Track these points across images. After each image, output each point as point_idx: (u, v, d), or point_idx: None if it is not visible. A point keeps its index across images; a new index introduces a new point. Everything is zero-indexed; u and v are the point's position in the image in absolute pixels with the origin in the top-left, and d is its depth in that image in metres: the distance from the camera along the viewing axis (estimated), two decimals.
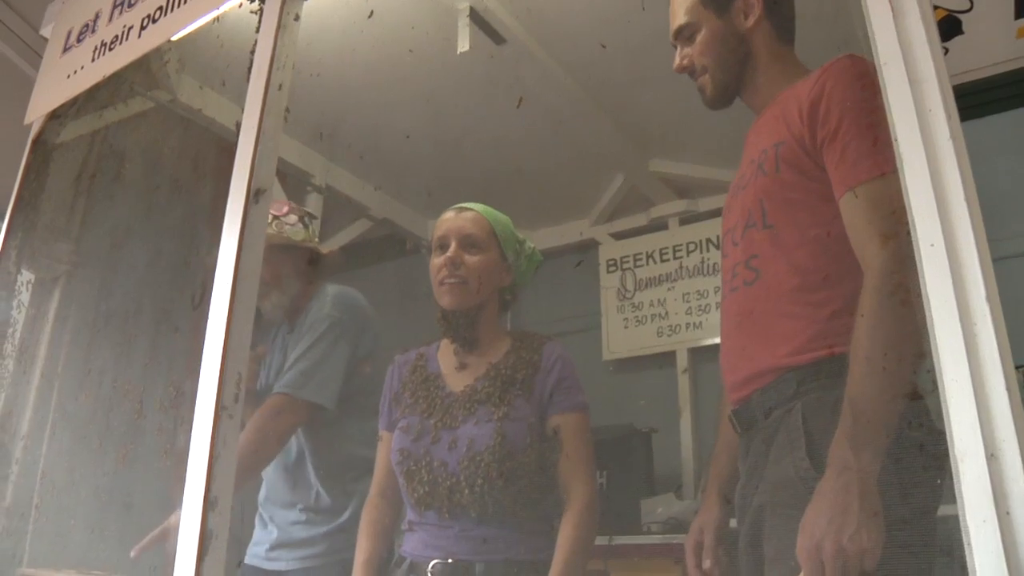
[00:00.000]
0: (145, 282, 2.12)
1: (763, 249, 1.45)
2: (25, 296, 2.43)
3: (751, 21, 1.57)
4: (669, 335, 3.83)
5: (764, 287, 1.44)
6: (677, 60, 1.65)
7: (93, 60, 2.34)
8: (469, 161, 3.45)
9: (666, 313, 3.84)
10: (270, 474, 2.18)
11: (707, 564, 1.61)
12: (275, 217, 2.25)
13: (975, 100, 3.07)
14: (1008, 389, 0.85)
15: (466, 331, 1.83)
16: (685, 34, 1.63)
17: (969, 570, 0.83)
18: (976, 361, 0.87)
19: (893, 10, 1.04)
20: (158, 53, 2.22)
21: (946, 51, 3.01)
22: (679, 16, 1.63)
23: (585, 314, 4.12)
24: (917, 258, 0.92)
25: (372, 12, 2.30)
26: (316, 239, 2.38)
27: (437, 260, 1.84)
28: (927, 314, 0.90)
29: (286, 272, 2.24)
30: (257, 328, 2.16)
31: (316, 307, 2.19)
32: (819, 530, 1.12)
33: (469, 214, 1.88)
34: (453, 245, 1.83)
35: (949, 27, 3.04)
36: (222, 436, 1.40)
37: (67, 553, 1.96)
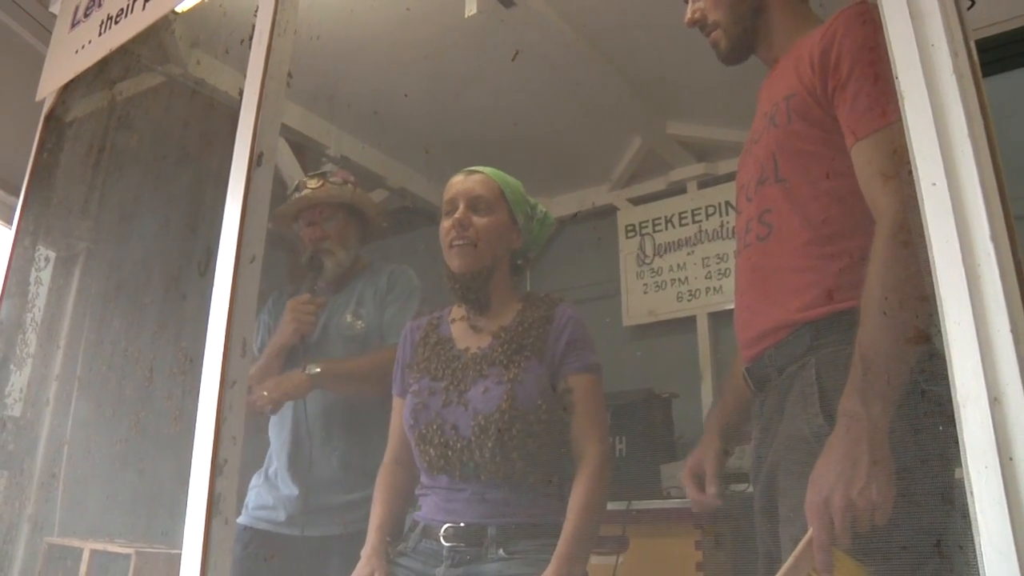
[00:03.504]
0: (155, 251, 2.14)
1: (776, 203, 1.42)
2: (45, 272, 2.46)
3: None
4: (689, 300, 3.79)
5: (777, 242, 1.41)
6: (688, 14, 1.61)
7: (100, 34, 2.35)
8: (485, 128, 3.43)
9: (686, 278, 3.81)
10: (298, 435, 2.19)
11: (712, 490, 1.59)
12: (346, 182, 2.36)
13: (1002, 53, 2.97)
14: (1013, 331, 0.82)
15: (476, 294, 1.81)
16: None
17: (971, 518, 0.81)
18: (980, 302, 0.84)
19: None
20: (164, 24, 2.22)
21: (972, 3, 2.92)
22: None
23: (604, 280, 4.09)
24: (919, 198, 0.89)
25: None
26: None
27: (446, 223, 1.83)
28: (929, 255, 0.87)
29: (351, 234, 2.34)
30: (317, 280, 2.24)
31: (400, 277, 2.30)
32: (828, 484, 1.09)
33: (477, 176, 1.87)
34: (462, 207, 1.82)
35: None
36: (228, 401, 1.41)
37: (85, 520, 1.99)
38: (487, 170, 1.88)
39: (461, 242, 1.79)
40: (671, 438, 3.29)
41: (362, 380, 2.16)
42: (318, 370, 2.07)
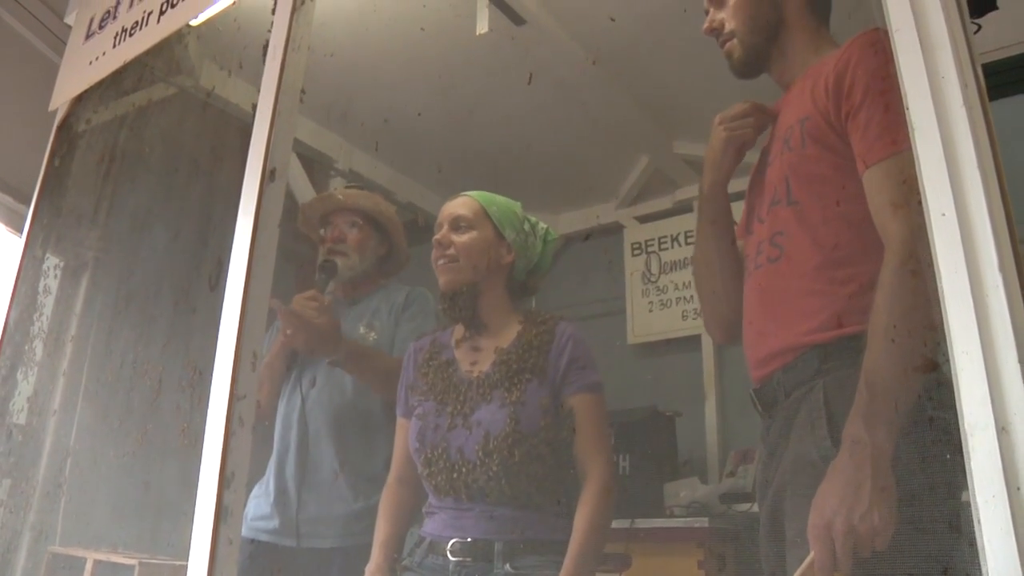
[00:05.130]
0: (165, 264, 2.15)
1: (787, 226, 1.43)
2: (52, 281, 2.47)
3: None
4: (694, 318, 3.79)
5: (788, 264, 1.42)
6: (707, 23, 1.62)
7: (114, 46, 2.37)
8: (493, 145, 3.44)
9: (691, 296, 3.81)
10: (300, 444, 2.18)
11: None
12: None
13: (1009, 77, 2.98)
14: (1021, 361, 0.83)
15: (466, 311, 1.83)
16: None
17: (978, 548, 0.81)
18: (988, 332, 0.84)
19: None
20: (177, 38, 2.24)
21: (979, 28, 2.93)
22: None
23: (610, 298, 4.10)
24: (928, 228, 0.90)
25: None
26: None
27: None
28: (938, 285, 0.88)
29: (370, 245, 2.33)
30: (327, 284, 2.22)
31: (418, 297, 2.29)
32: (830, 508, 1.10)
33: (460, 199, 1.92)
34: (444, 228, 1.88)
35: (983, 2, 2.95)
36: (237, 414, 1.41)
37: (90, 530, 1.99)
38: (472, 192, 1.93)
39: (442, 260, 1.85)
40: (675, 457, 3.29)
41: (380, 370, 2.13)
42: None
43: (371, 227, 2.34)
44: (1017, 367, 0.83)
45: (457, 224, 1.87)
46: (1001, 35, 2.86)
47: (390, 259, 2.40)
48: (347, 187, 2.46)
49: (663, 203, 4.09)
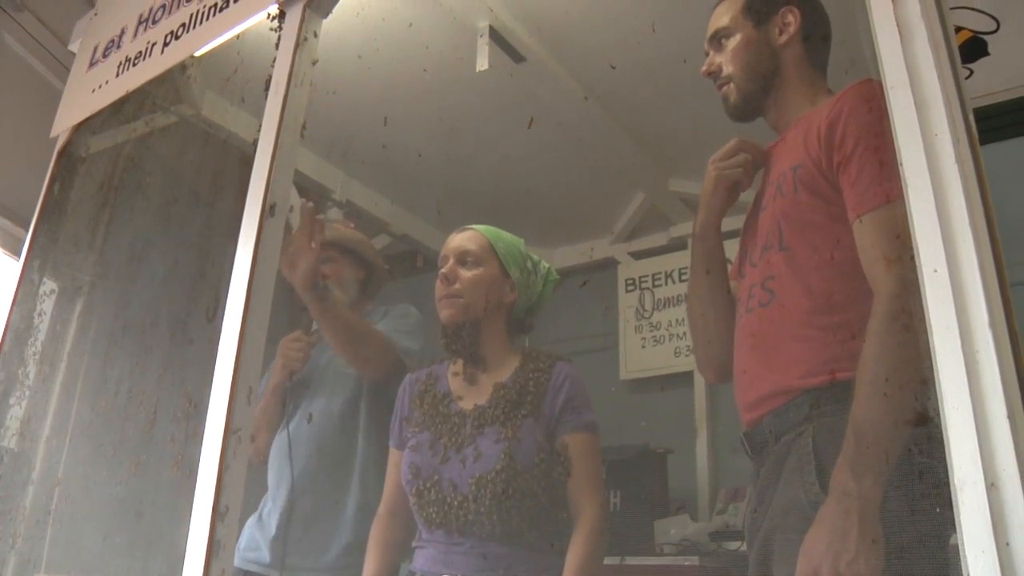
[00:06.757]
0: (162, 293, 2.15)
1: (779, 271, 1.44)
2: (48, 305, 2.47)
3: (784, 38, 1.57)
4: (687, 355, 3.80)
5: (779, 309, 1.43)
6: (705, 66, 1.65)
7: (117, 75, 2.39)
8: (490, 180, 3.47)
9: (684, 333, 3.82)
10: (290, 474, 2.17)
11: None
12: (346, 227, 2.43)
13: (1000, 122, 3.02)
14: (1010, 417, 0.84)
15: (467, 346, 1.83)
16: (720, 36, 1.63)
17: None
18: (978, 388, 0.86)
19: (901, 34, 1.04)
20: (180, 68, 2.26)
21: (970, 73, 2.98)
22: (718, 20, 1.64)
23: (603, 333, 4.11)
24: (920, 283, 0.92)
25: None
26: None
27: (438, 280, 1.87)
28: (929, 340, 0.90)
29: (349, 275, 2.35)
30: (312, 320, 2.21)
31: (398, 307, 2.33)
32: (817, 556, 1.11)
33: (468, 232, 1.92)
34: (450, 262, 1.87)
35: (974, 49, 3.00)
36: (232, 448, 1.42)
37: (79, 560, 1.97)
38: (480, 227, 1.93)
39: (447, 295, 1.84)
40: (665, 494, 3.28)
41: (353, 329, 2.16)
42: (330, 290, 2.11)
43: (343, 256, 2.35)
44: (1006, 423, 0.84)
45: (464, 259, 1.87)
46: (992, 80, 2.90)
47: (371, 281, 2.41)
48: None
49: (658, 240, 4.11)
